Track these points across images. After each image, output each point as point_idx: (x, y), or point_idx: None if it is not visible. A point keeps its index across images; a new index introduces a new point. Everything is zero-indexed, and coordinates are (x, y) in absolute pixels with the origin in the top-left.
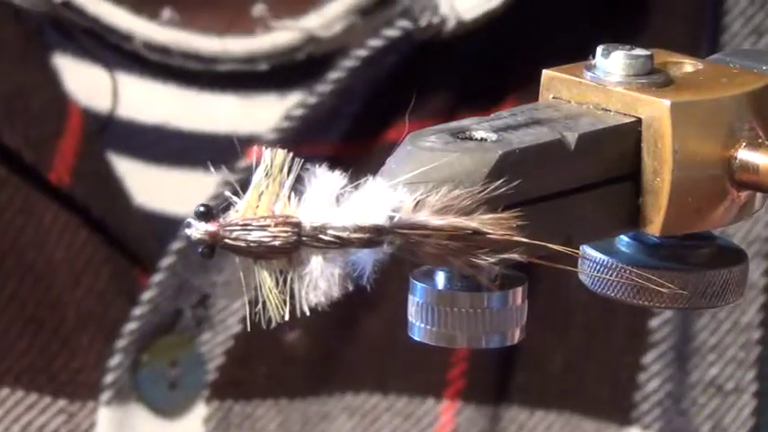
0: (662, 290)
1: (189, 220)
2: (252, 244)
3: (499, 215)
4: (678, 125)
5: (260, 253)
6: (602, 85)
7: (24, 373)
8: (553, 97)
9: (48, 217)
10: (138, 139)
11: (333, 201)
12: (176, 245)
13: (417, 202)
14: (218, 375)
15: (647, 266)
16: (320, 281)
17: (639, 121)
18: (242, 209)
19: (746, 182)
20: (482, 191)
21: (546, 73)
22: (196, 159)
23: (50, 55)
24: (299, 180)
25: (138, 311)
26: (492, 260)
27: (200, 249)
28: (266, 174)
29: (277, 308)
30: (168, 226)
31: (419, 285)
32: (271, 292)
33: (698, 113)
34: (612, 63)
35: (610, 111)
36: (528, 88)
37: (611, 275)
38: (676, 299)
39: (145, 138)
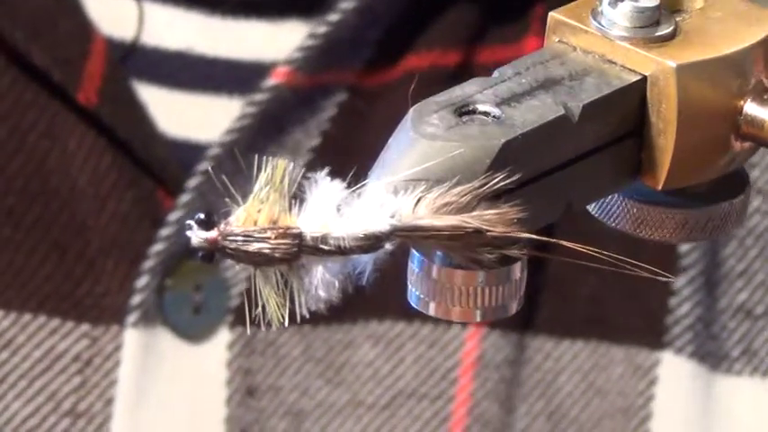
0: (663, 224)
1: (189, 222)
2: (252, 254)
3: (499, 210)
4: (684, 86)
5: (260, 263)
6: (608, 38)
7: (47, 298)
8: (559, 41)
9: (73, 141)
10: (162, 65)
11: (333, 209)
12: (202, 166)
13: (417, 201)
14: (241, 301)
15: (649, 201)
16: (320, 288)
17: (644, 79)
18: (242, 218)
19: (750, 135)
20: (483, 185)
21: (552, 16)
22: (220, 85)
23: None
24: (300, 185)
25: (164, 232)
26: (492, 256)
27: (199, 255)
28: (267, 183)
29: (276, 312)
30: (192, 152)
31: (418, 256)
32: (270, 296)
33: (704, 72)
34: (619, 14)
35: (615, 63)
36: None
37: (614, 207)
38: (677, 232)
39: (169, 64)
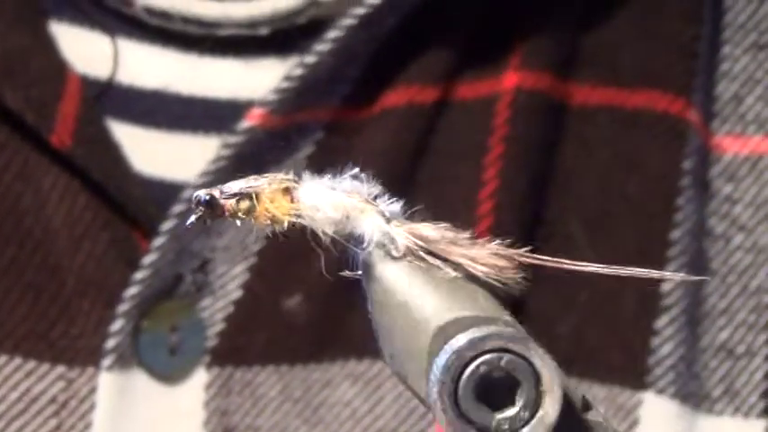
0: None
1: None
2: (252, 183)
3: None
4: None
5: (259, 191)
6: None
7: (23, 339)
8: None
9: (47, 182)
10: (138, 104)
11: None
12: (177, 208)
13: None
14: (218, 341)
15: None
16: (322, 211)
17: None
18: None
19: None
20: None
21: None
22: (196, 124)
23: (46, 21)
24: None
25: (139, 275)
26: (493, 262)
27: (200, 213)
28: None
29: (279, 221)
30: (168, 191)
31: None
32: (273, 208)
33: None
34: None
35: None
36: (532, 43)
37: None
38: None
39: (144, 103)
